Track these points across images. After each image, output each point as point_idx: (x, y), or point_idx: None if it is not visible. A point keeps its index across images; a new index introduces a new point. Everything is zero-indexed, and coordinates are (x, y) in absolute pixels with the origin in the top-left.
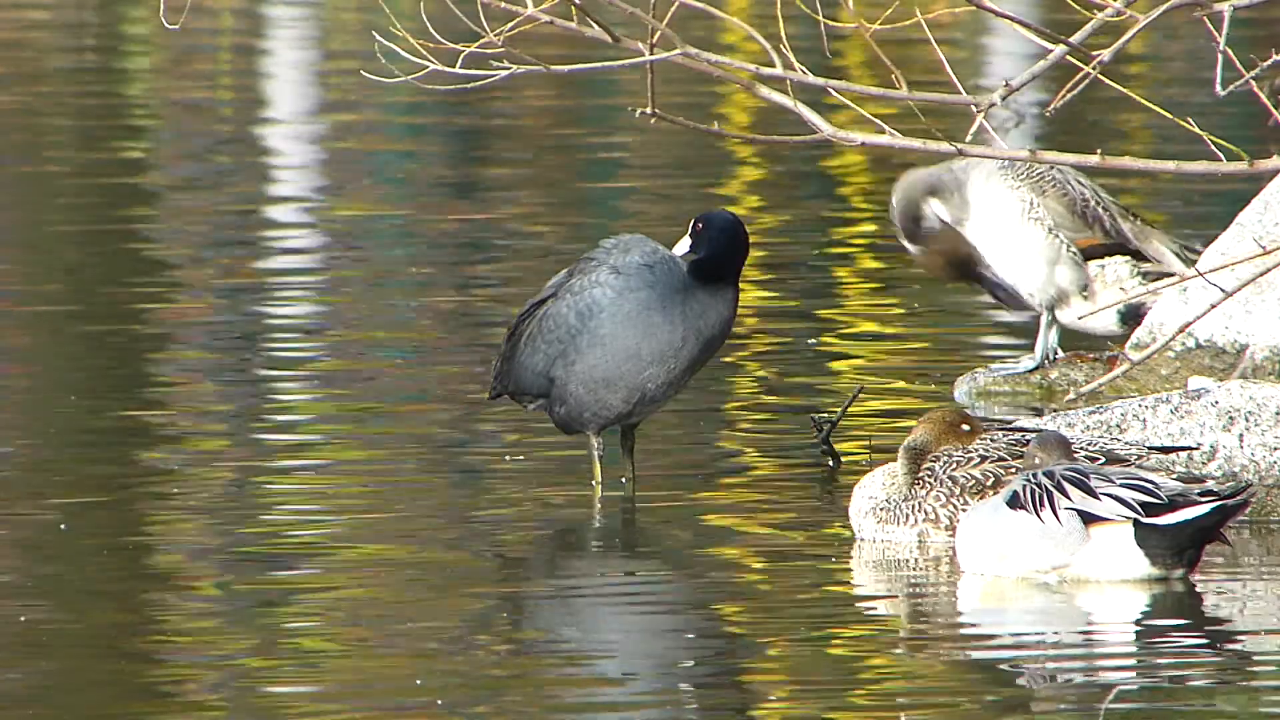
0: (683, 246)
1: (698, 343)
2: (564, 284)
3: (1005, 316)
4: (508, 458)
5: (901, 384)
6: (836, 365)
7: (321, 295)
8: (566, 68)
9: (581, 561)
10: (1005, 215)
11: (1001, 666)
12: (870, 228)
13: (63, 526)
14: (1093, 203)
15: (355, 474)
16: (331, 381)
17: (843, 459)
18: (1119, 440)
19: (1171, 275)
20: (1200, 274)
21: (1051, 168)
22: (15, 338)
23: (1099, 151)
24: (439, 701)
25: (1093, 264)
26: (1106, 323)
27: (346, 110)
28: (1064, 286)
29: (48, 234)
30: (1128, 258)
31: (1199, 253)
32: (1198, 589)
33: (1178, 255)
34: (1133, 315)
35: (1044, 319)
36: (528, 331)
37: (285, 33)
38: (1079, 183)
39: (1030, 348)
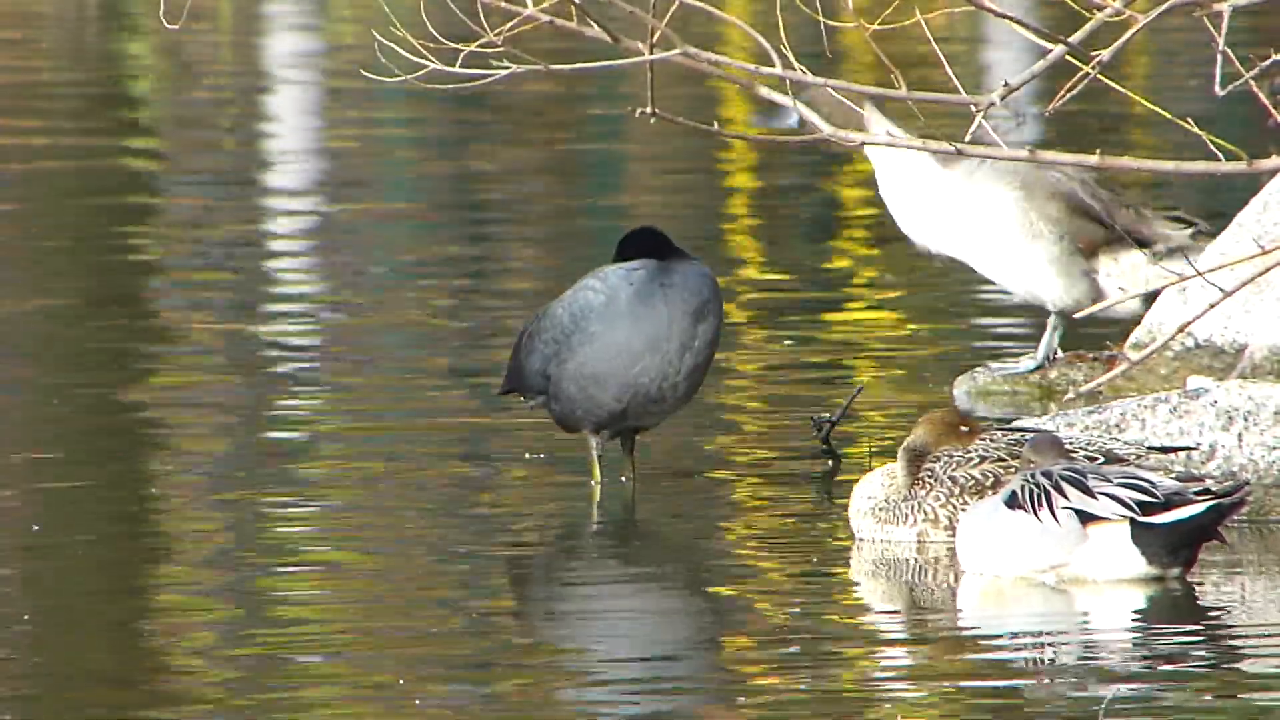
0: (622, 268)
1: (685, 318)
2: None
3: (1005, 316)
4: (528, 454)
5: (901, 384)
6: (836, 365)
7: (328, 271)
8: (567, 67)
9: (580, 561)
10: (1005, 223)
11: (999, 666)
12: (870, 227)
13: (35, 527)
14: (1087, 197)
15: (362, 471)
16: (341, 374)
17: (842, 459)
18: (1118, 440)
19: (1178, 248)
20: (1200, 273)
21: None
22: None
23: (1098, 151)
24: (417, 701)
25: (1103, 258)
26: (1131, 306)
27: (349, 109)
28: (1079, 298)
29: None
30: (1137, 248)
31: (1196, 224)
32: (1194, 588)
33: (1182, 225)
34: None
35: (1051, 321)
36: (530, 331)
37: (286, 34)
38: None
39: (1031, 346)
